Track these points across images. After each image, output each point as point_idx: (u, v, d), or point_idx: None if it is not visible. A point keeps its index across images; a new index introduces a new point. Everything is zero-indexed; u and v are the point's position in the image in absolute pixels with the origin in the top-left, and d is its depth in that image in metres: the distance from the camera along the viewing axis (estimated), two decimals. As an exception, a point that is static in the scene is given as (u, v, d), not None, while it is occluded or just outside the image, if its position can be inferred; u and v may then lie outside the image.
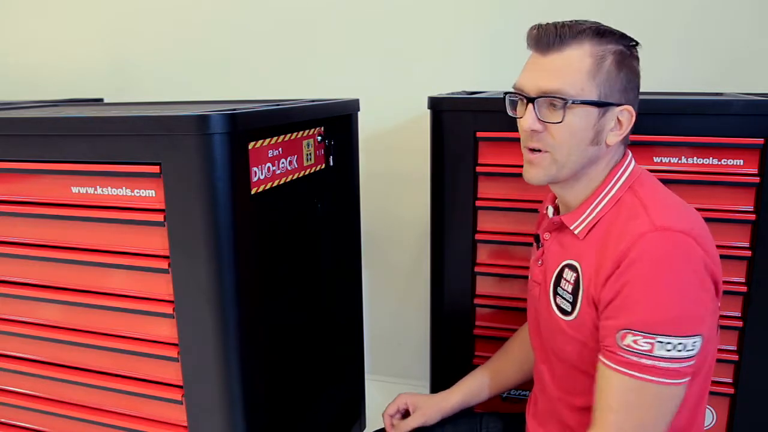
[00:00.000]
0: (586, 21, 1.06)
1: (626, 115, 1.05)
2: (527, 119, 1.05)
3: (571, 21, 1.06)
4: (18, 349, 1.37)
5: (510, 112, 1.12)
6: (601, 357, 1.00)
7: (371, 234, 1.92)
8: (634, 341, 0.95)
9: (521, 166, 1.12)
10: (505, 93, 1.11)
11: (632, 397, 0.97)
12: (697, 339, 0.95)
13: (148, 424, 1.28)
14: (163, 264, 1.16)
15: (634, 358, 0.95)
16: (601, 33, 1.03)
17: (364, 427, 1.77)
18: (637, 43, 1.08)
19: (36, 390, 1.37)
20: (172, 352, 1.19)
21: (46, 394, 1.36)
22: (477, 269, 1.59)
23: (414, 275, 2.19)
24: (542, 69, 1.04)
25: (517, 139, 1.09)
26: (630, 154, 1.12)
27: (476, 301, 1.60)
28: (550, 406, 1.20)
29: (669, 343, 0.94)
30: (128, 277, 1.21)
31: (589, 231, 1.08)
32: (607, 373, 0.99)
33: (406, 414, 1.38)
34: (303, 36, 2.11)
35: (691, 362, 0.96)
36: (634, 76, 1.07)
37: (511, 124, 1.12)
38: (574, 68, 1.02)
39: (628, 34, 1.08)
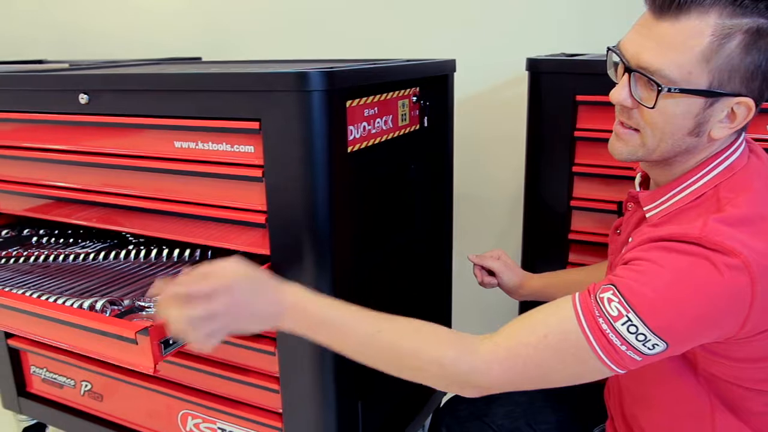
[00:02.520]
0: None
1: (743, 108, 0.89)
2: (618, 91, 0.94)
3: None
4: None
5: (609, 71, 1.00)
6: (576, 293, 0.91)
7: (462, 197, 1.90)
8: (608, 300, 0.86)
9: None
10: (609, 48, 0.98)
11: (561, 343, 0.88)
12: (660, 345, 0.85)
13: (242, 374, 1.33)
14: (260, 219, 1.18)
15: (596, 312, 0.86)
16: (738, 0, 0.83)
17: (445, 393, 1.77)
18: None
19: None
20: (267, 306, 1.22)
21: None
22: (571, 237, 1.56)
23: (505, 241, 2.16)
24: (649, 36, 0.88)
25: None
26: (739, 145, 0.96)
27: (569, 270, 1.57)
28: (616, 380, 1.16)
29: (636, 326, 0.84)
30: (227, 230, 1.24)
31: (660, 219, 0.97)
32: (563, 303, 0.90)
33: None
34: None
35: (638, 359, 0.86)
36: None
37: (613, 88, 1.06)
38: (686, 46, 0.85)
39: None
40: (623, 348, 0.85)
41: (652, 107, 0.89)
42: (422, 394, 1.66)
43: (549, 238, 1.58)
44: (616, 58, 0.96)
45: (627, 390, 1.11)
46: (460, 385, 0.94)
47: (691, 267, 0.84)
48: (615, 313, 0.85)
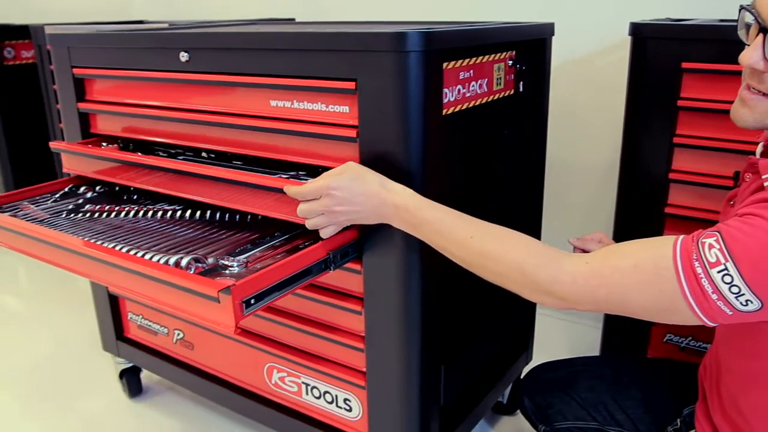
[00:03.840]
0: None
1: None
2: (750, 53, 0.88)
3: None
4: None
5: (740, 32, 0.94)
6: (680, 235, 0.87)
7: (555, 163, 1.86)
8: (710, 246, 0.81)
9: (731, 102, 0.98)
10: (742, 7, 0.92)
11: (651, 277, 0.85)
12: (755, 302, 0.80)
13: (328, 332, 1.35)
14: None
15: (694, 256, 0.82)
16: None
17: (530, 359, 1.76)
18: None
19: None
20: (356, 266, 1.24)
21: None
22: (668, 210, 1.50)
23: (595, 211, 2.11)
24: None
25: (729, 72, 0.97)
26: None
27: (665, 246, 1.51)
28: (715, 357, 1.11)
29: (731, 276, 0.79)
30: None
31: None
32: (663, 240, 0.87)
33: None
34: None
35: (729, 313, 0.81)
36: None
37: (723, 55, 0.99)
38: None
39: None
40: (714, 297, 0.81)
41: None
42: (504, 363, 1.66)
43: (644, 211, 1.53)
44: (749, 18, 0.90)
45: (727, 368, 1.07)
46: (540, 294, 0.95)
47: None
48: (713, 260, 0.81)
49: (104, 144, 1.56)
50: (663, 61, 1.42)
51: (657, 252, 0.86)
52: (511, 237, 1.02)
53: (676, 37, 1.42)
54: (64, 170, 1.58)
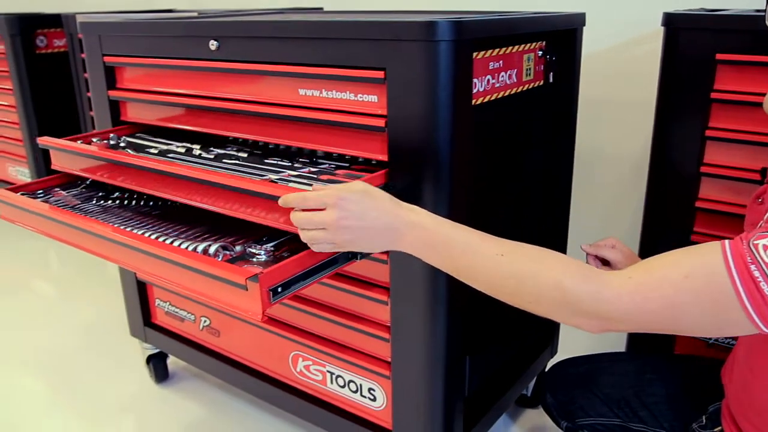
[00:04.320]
0: None
1: None
2: None
3: None
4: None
5: None
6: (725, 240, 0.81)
7: (582, 157, 1.84)
8: (764, 247, 0.75)
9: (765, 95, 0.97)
10: None
11: (704, 286, 0.78)
12: None
13: (354, 321, 1.35)
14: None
15: (748, 259, 0.76)
16: None
17: (555, 353, 1.75)
18: None
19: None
20: (383, 255, 1.24)
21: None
22: (699, 205, 1.48)
23: (623, 206, 2.08)
24: None
25: (765, 64, 0.95)
26: None
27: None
28: (737, 358, 1.09)
29: None
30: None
31: None
32: (709, 246, 0.80)
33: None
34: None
35: None
36: None
37: (759, 47, 0.97)
38: None
39: None
40: None
41: None
42: (528, 356, 1.65)
43: (674, 205, 1.51)
44: None
45: (749, 368, 1.04)
46: (582, 315, 0.86)
47: None
48: None
49: (94, 140, 1.56)
50: (696, 52, 1.40)
51: (707, 259, 0.81)
52: (546, 254, 0.93)
53: (710, 27, 1.39)
54: (52, 167, 1.55)
